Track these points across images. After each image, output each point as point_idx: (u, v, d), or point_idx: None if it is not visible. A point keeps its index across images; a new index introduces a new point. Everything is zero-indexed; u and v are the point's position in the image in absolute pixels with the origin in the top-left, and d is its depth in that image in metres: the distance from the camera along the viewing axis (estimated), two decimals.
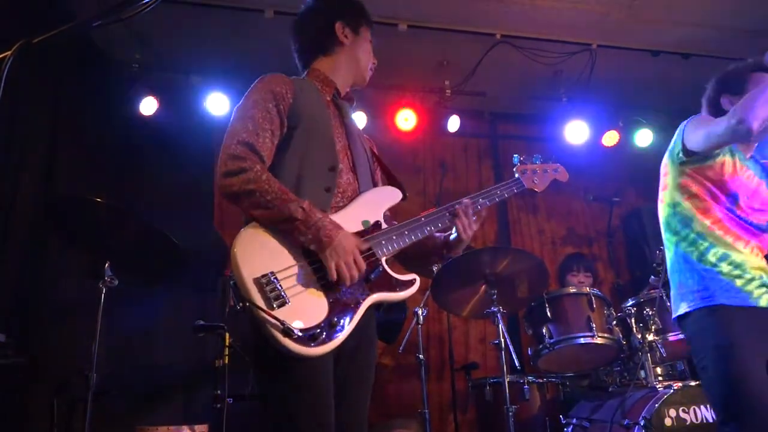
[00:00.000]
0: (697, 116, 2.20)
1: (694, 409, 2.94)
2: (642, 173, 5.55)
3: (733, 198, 2.11)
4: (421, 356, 3.56)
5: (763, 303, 1.99)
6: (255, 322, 1.55)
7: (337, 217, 1.72)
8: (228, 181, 1.64)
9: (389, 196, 1.92)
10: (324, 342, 1.55)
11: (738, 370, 1.89)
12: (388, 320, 4.02)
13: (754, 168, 2.19)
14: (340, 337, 1.59)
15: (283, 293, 1.56)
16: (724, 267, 2.04)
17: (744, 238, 2.09)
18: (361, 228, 1.77)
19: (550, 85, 4.92)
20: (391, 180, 2.02)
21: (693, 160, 2.16)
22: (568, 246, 5.47)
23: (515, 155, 2.23)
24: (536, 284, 3.53)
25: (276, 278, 1.57)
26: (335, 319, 1.59)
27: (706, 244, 2.09)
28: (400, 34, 4.22)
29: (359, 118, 4.74)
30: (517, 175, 2.18)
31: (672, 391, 2.97)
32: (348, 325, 1.61)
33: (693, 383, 3.06)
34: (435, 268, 3.67)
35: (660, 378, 3.42)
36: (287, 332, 1.51)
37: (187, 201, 4.36)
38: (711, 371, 1.97)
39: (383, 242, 1.77)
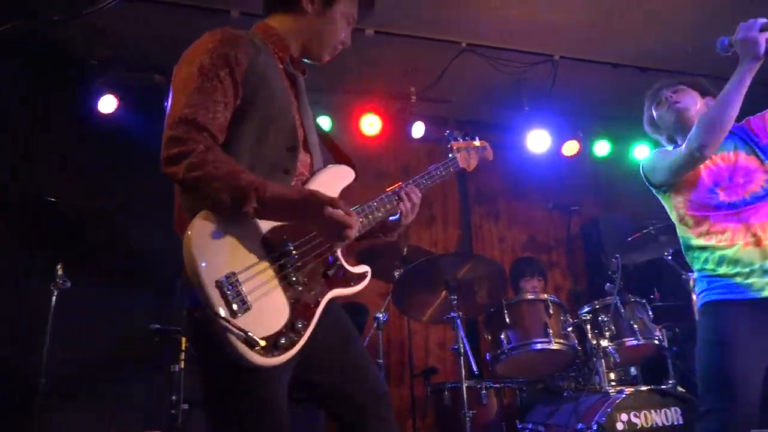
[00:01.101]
0: (651, 158, 2.35)
1: (645, 414, 3.02)
2: (600, 183, 5.71)
3: (714, 194, 2.18)
4: (380, 361, 3.57)
5: (765, 293, 2.03)
6: (209, 329, 1.36)
7: None
8: (171, 169, 1.39)
9: (343, 175, 1.74)
10: (287, 349, 1.43)
11: (722, 362, 1.98)
12: None
13: (727, 146, 2.25)
14: (301, 342, 1.47)
15: (246, 297, 1.38)
16: (723, 270, 2.12)
17: (739, 232, 2.12)
18: None
19: (514, 94, 5.00)
20: (340, 156, 1.81)
21: (668, 188, 2.30)
22: (527, 253, 5.56)
23: (448, 132, 2.22)
24: (496, 290, 3.59)
25: (238, 280, 1.38)
26: (297, 324, 1.46)
27: (704, 256, 2.19)
28: (367, 39, 4.23)
29: (323, 122, 4.74)
30: (451, 155, 2.13)
31: (624, 395, 3.05)
32: (308, 329, 1.49)
33: (644, 388, 3.15)
34: (396, 273, 3.70)
35: (613, 383, 3.49)
36: (250, 343, 1.35)
37: (148, 202, 4.28)
38: (701, 360, 2.07)
39: None
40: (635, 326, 3.38)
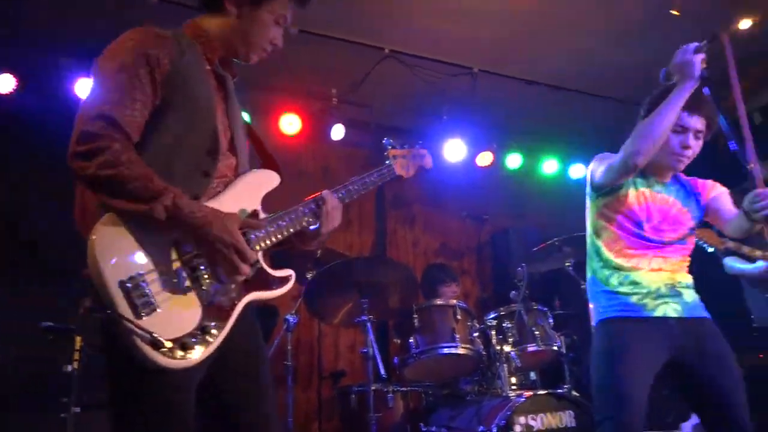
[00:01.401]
0: (600, 156, 2.40)
1: (541, 417, 3.16)
2: (511, 194, 5.92)
3: (640, 225, 2.29)
4: (288, 363, 3.53)
5: (658, 313, 2.18)
6: (113, 330, 1.34)
7: (212, 204, 1.52)
8: (79, 164, 1.36)
9: (267, 180, 1.72)
10: (195, 351, 1.40)
11: (614, 366, 2.11)
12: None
13: (669, 191, 2.38)
14: (213, 345, 1.44)
15: (152, 299, 1.36)
16: (624, 288, 2.23)
17: (648, 256, 2.26)
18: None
19: (433, 103, 5.10)
20: (267, 160, 1.80)
21: (601, 194, 2.37)
22: (440, 259, 5.68)
23: (386, 138, 2.16)
24: (407, 295, 3.63)
25: (144, 281, 1.36)
26: (208, 326, 1.43)
27: (608, 272, 2.29)
28: (291, 37, 4.16)
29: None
30: (388, 161, 2.09)
31: (523, 399, 3.17)
32: (222, 332, 1.46)
33: (542, 392, 3.29)
34: (309, 275, 3.67)
35: (514, 387, 3.62)
36: (156, 344, 1.32)
37: (47, 189, 4.02)
38: (597, 371, 2.18)
39: (261, 234, 1.59)
40: (537, 333, 3.53)
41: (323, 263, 3.57)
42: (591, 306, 2.36)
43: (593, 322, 2.31)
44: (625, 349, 2.12)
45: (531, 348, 3.50)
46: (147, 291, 1.35)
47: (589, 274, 2.40)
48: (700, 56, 2.10)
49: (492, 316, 3.70)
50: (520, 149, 5.55)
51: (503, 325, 3.59)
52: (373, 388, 3.25)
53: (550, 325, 3.68)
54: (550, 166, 5.69)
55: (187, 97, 1.52)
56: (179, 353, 1.37)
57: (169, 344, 1.34)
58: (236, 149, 1.65)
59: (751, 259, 3.04)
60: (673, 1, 3.87)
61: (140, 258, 1.39)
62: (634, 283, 2.23)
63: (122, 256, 1.37)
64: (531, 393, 3.26)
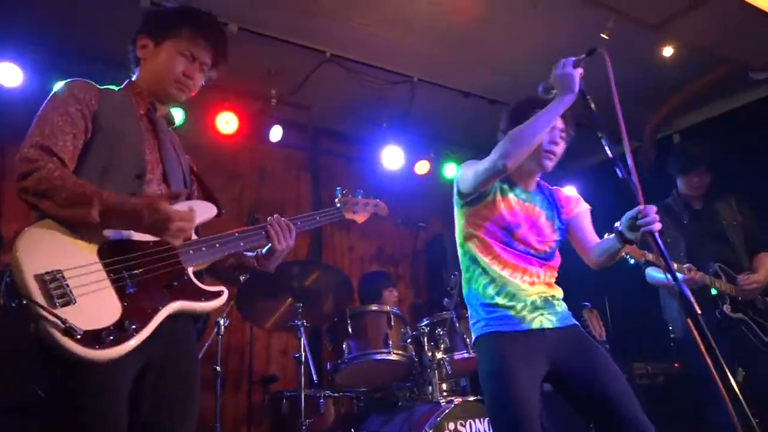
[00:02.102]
0: (467, 163, 2.40)
1: (470, 422, 3.22)
2: (447, 202, 5.99)
3: (510, 232, 2.30)
4: (218, 368, 3.44)
5: (535, 325, 2.21)
6: (27, 319, 1.41)
7: None
8: (22, 184, 1.54)
9: (204, 210, 1.87)
10: (111, 345, 1.43)
11: (502, 390, 2.11)
12: None
13: (534, 200, 2.40)
14: (131, 343, 1.48)
15: (69, 292, 1.44)
16: (500, 300, 2.23)
17: (521, 268, 2.28)
18: None
19: (373, 109, 5.12)
20: (208, 197, 1.98)
21: (468, 202, 2.37)
22: (375, 264, 5.70)
23: (338, 188, 2.34)
24: (341, 300, 3.63)
25: (63, 276, 1.45)
26: (127, 324, 1.48)
27: (485, 281, 2.28)
28: (230, 34, 4.09)
29: (175, 115, 4.47)
30: (338, 205, 2.29)
31: (453, 405, 3.22)
32: (142, 332, 1.51)
33: (472, 398, 3.36)
34: (242, 278, 3.59)
35: (445, 393, 3.68)
36: (68, 331, 1.38)
37: None
38: (487, 392, 2.18)
39: (191, 252, 1.72)
40: (468, 340, 3.59)
41: (259, 271, 3.50)
42: (470, 318, 2.35)
43: (474, 334, 2.30)
44: (510, 374, 2.10)
45: (461, 355, 3.56)
46: (64, 284, 1.44)
47: (465, 289, 2.38)
48: (579, 70, 2.19)
49: (425, 322, 3.74)
50: (457, 160, 5.66)
51: (436, 331, 3.63)
52: (304, 393, 3.22)
53: None
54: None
55: (115, 129, 1.72)
56: (93, 344, 1.41)
57: (82, 333, 1.40)
58: (168, 180, 1.81)
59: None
60: (605, 24, 4.05)
61: (63, 257, 1.49)
62: (511, 296, 2.23)
63: (45, 253, 1.48)
64: (461, 399, 3.32)
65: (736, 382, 3.30)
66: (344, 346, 3.51)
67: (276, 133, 4.86)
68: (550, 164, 2.35)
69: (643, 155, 5.68)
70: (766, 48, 4.51)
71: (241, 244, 1.86)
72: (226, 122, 4.69)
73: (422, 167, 5.48)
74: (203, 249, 1.76)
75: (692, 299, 1.68)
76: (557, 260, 2.40)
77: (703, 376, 3.19)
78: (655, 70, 4.76)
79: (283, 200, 5.30)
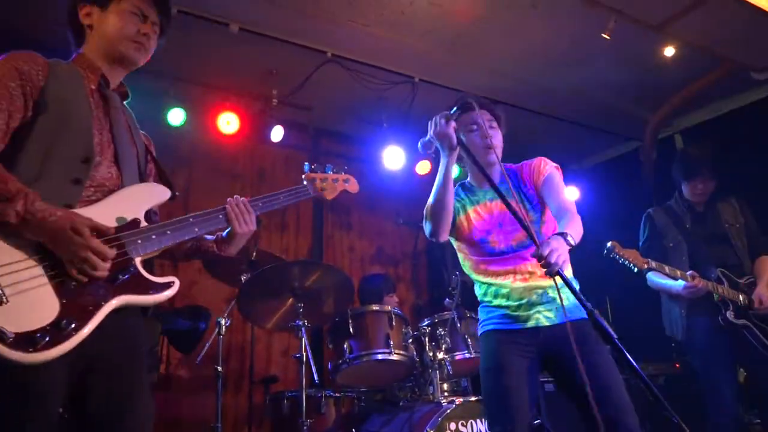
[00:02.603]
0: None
1: (471, 423, 3.22)
2: None
3: (485, 242, 2.36)
4: (219, 368, 3.44)
5: (530, 323, 2.25)
6: None
7: (87, 211, 1.56)
8: None
9: (155, 193, 1.79)
10: (46, 347, 1.36)
11: (491, 383, 2.24)
12: (187, 329, 3.83)
13: (492, 196, 2.41)
14: (67, 344, 1.40)
15: (0, 292, 1.37)
16: (496, 300, 2.34)
17: (510, 270, 2.32)
18: (114, 224, 1.61)
19: (374, 109, 5.12)
20: (162, 179, 1.90)
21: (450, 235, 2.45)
22: (376, 265, 5.70)
23: (306, 163, 2.22)
24: (342, 300, 3.62)
25: None
26: (65, 323, 1.41)
27: (483, 289, 2.42)
28: (231, 35, 4.11)
29: (177, 115, 4.50)
30: (305, 183, 2.17)
31: (454, 405, 3.22)
32: (81, 332, 1.43)
33: (473, 398, 3.35)
34: (243, 278, 3.60)
35: (446, 393, 3.67)
36: None
37: None
38: (483, 385, 2.29)
39: (139, 241, 1.63)
40: (469, 340, 3.59)
41: (258, 266, 3.51)
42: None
43: (478, 336, 2.45)
44: (503, 368, 2.21)
45: (463, 355, 3.56)
46: None
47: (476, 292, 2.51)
48: (452, 124, 2.22)
49: (426, 323, 3.74)
50: (457, 160, 5.64)
51: (437, 332, 3.63)
52: (305, 393, 3.22)
53: None
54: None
55: (58, 109, 1.61)
56: (25, 346, 1.34)
57: (13, 336, 1.33)
58: (120, 162, 1.71)
59: (673, 278, 3.22)
60: (606, 24, 4.05)
61: None
62: (504, 297, 2.31)
63: None
64: (462, 399, 3.31)
65: (738, 382, 3.32)
66: (345, 346, 3.51)
67: (277, 134, 4.86)
68: (493, 157, 2.36)
69: (644, 156, 5.68)
70: None
71: (196, 229, 1.77)
72: (228, 122, 4.69)
73: (423, 167, 5.47)
74: (153, 237, 1.66)
75: None
76: (545, 236, 2.32)
77: (707, 377, 3.19)
78: (656, 70, 4.76)
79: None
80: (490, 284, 2.36)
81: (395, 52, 4.55)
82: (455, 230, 2.43)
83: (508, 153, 2.46)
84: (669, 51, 4.50)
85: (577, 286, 2.26)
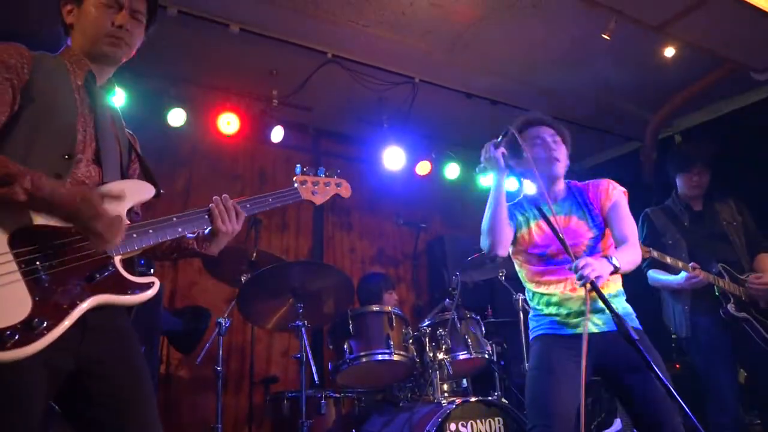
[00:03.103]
0: None
1: (472, 423, 3.22)
2: (448, 203, 6.02)
3: (544, 254, 2.46)
4: (219, 368, 3.44)
5: (579, 330, 2.32)
6: None
7: None
8: None
9: (138, 191, 1.74)
10: (15, 347, 1.32)
11: (532, 389, 2.33)
12: (188, 330, 3.83)
13: (562, 208, 2.52)
14: (37, 344, 1.36)
15: None
16: (547, 309, 2.45)
17: (563, 279, 2.42)
18: None
19: (374, 110, 5.12)
20: (147, 178, 1.85)
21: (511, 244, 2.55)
22: (376, 265, 5.70)
23: (298, 165, 2.18)
24: (343, 300, 3.62)
25: None
26: (36, 321, 1.36)
27: (537, 299, 2.52)
28: (232, 36, 4.11)
29: (177, 116, 4.50)
30: (295, 185, 2.12)
31: (454, 406, 3.21)
32: (53, 331, 1.39)
33: (473, 399, 3.34)
34: (243, 278, 3.60)
35: (446, 394, 3.67)
36: None
37: None
38: (527, 383, 2.39)
39: (121, 241, 1.59)
40: (469, 341, 3.59)
41: (258, 266, 3.51)
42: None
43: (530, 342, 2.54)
44: (550, 369, 2.31)
45: (463, 356, 3.56)
46: None
47: (529, 300, 2.61)
48: (501, 150, 2.41)
49: (426, 323, 3.74)
50: (459, 161, 5.65)
51: (437, 332, 3.63)
52: (305, 394, 3.22)
53: (482, 333, 3.76)
54: (486, 178, 5.80)
55: (42, 105, 1.58)
56: None
57: None
58: (102, 159, 1.68)
59: (675, 270, 3.23)
60: (606, 25, 4.05)
61: None
62: (555, 305, 2.43)
63: None
64: (462, 400, 3.31)
65: (738, 382, 3.33)
66: (345, 346, 3.51)
67: (277, 134, 4.86)
68: (558, 167, 2.49)
69: (645, 156, 5.68)
70: None
71: (179, 229, 1.74)
72: (228, 123, 4.69)
73: (423, 168, 5.47)
74: (134, 236, 1.63)
75: None
76: (602, 252, 2.46)
77: (708, 375, 3.20)
78: (657, 70, 4.75)
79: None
80: (542, 294, 2.47)
81: (395, 53, 4.55)
82: (516, 242, 2.53)
83: None
84: (669, 51, 4.50)
85: (623, 305, 2.45)
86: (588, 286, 2.03)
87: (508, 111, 5.19)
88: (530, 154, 2.41)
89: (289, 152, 5.45)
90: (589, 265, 2.06)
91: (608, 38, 4.10)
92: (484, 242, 2.42)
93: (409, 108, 5.04)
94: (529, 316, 2.58)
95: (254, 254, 3.70)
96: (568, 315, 2.39)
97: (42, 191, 1.43)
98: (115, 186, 1.61)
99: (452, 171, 5.67)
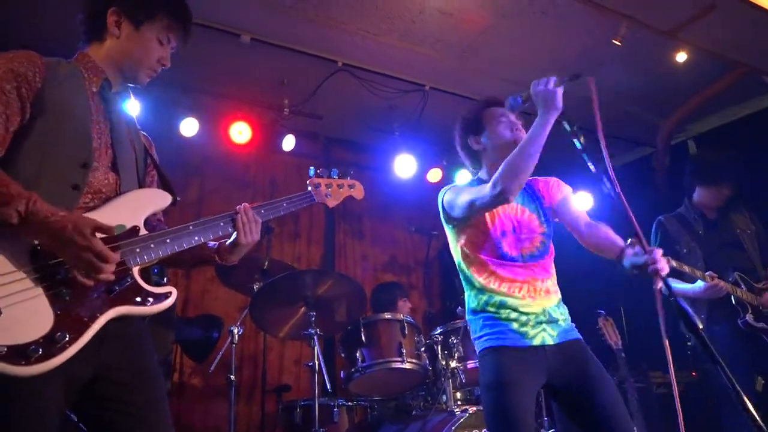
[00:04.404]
0: (452, 186, 2.40)
1: None
2: None
3: (500, 243, 2.28)
4: (232, 377, 3.45)
5: (536, 342, 2.19)
6: None
7: None
8: None
9: (155, 199, 1.74)
10: (38, 361, 1.33)
11: (500, 405, 2.10)
12: (200, 338, 3.85)
13: (518, 199, 2.36)
14: (60, 357, 1.38)
15: None
16: (503, 313, 2.21)
17: (519, 280, 2.25)
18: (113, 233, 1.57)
19: (385, 118, 5.14)
20: (163, 184, 1.85)
21: (459, 224, 2.35)
22: (388, 273, 5.69)
23: (311, 167, 2.16)
24: (355, 308, 3.62)
25: None
26: (59, 335, 1.38)
27: (486, 297, 2.26)
28: (243, 45, 4.14)
29: (189, 125, 4.54)
30: (309, 189, 2.10)
31: (467, 414, 3.20)
32: (75, 344, 1.41)
33: None
34: (256, 287, 3.61)
35: (459, 402, 3.65)
36: None
37: None
38: (485, 403, 2.19)
39: (138, 250, 1.58)
40: None
41: (270, 275, 3.52)
42: (474, 335, 2.31)
43: (477, 348, 2.29)
44: (512, 385, 2.11)
45: (475, 364, 3.53)
46: None
47: (467, 305, 2.36)
48: (561, 89, 2.17)
49: (439, 331, 3.72)
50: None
51: (449, 340, 3.62)
52: (318, 402, 3.22)
53: None
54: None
55: (56, 113, 1.56)
56: (16, 360, 1.31)
57: (5, 349, 1.30)
58: (118, 166, 1.67)
59: (691, 279, 3.19)
60: (617, 31, 4.04)
61: None
62: (512, 309, 2.21)
63: None
64: (475, 408, 3.29)
65: (755, 390, 3.28)
66: (358, 354, 3.51)
67: (288, 143, 4.89)
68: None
69: (657, 161, 5.64)
70: None
71: (196, 238, 1.71)
72: (240, 132, 4.73)
73: (435, 175, 5.47)
74: (152, 246, 1.61)
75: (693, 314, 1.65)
76: (551, 255, 2.36)
77: (722, 384, 3.16)
78: (669, 75, 4.73)
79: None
80: (492, 292, 2.24)
81: (406, 61, 4.57)
82: (476, 223, 2.30)
83: (539, 165, 2.43)
84: (681, 56, 4.48)
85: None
86: (660, 285, 1.84)
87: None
88: (489, 130, 2.37)
89: (300, 161, 5.47)
90: (662, 259, 1.90)
91: (619, 44, 4.09)
92: (501, 186, 2.07)
93: (420, 115, 5.04)
94: (474, 321, 2.30)
95: (266, 262, 3.72)
96: (526, 323, 2.19)
97: (35, 216, 1.39)
98: (107, 226, 1.52)
99: (463, 178, 5.65)
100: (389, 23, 4.12)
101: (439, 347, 3.61)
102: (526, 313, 2.21)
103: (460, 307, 3.88)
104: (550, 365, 2.17)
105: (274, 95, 4.83)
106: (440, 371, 3.56)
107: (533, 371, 2.16)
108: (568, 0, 3.87)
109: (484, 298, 2.26)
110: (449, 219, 2.39)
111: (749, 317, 3.19)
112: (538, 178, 2.49)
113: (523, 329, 2.19)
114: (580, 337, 2.30)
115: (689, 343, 3.72)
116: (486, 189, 2.15)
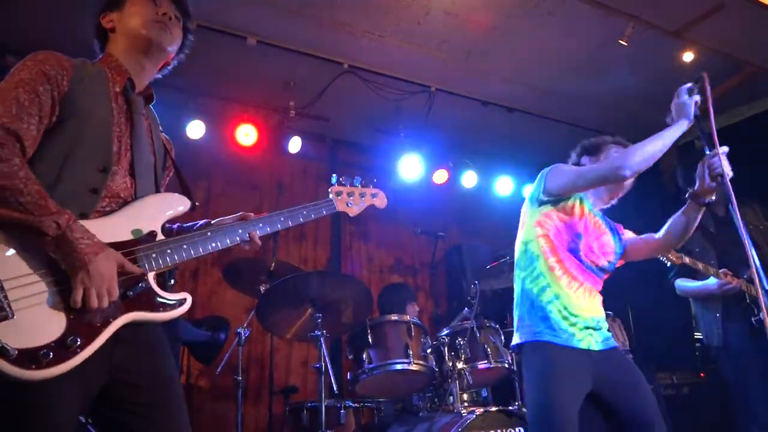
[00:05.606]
0: (559, 165, 2.46)
1: None
2: (465, 212, 6.00)
3: (578, 238, 2.36)
4: (239, 378, 3.45)
5: (583, 345, 2.24)
6: None
7: (103, 223, 1.53)
8: None
9: (173, 203, 1.73)
10: (49, 365, 1.33)
11: (547, 402, 2.15)
12: (207, 340, 3.86)
13: (602, 220, 2.51)
14: (73, 361, 1.37)
15: (6, 306, 1.33)
16: (555, 307, 2.27)
17: (579, 279, 2.33)
18: (130, 237, 1.57)
19: (391, 120, 5.14)
20: (182, 188, 1.84)
21: (550, 201, 2.40)
22: (395, 275, 5.69)
23: (334, 175, 2.15)
24: (361, 310, 3.61)
25: (2, 287, 1.34)
26: (70, 340, 1.38)
27: (544, 283, 2.31)
28: (249, 48, 4.16)
29: (196, 128, 4.56)
30: (330, 197, 2.09)
31: (474, 416, 3.18)
32: (86, 349, 1.40)
33: (493, 409, 3.31)
34: (262, 288, 3.62)
35: (466, 404, 3.64)
36: (1, 351, 1.29)
37: None
38: (528, 398, 2.26)
39: (155, 255, 1.58)
40: (488, 350, 3.56)
41: (277, 276, 3.52)
42: (518, 318, 2.36)
43: (522, 337, 2.31)
44: (563, 378, 2.17)
45: (483, 365, 3.53)
46: (1, 297, 1.33)
47: (518, 287, 2.40)
48: (696, 98, 2.31)
49: (445, 332, 3.71)
50: (476, 168, 5.64)
51: (456, 341, 3.61)
52: (325, 404, 3.22)
53: (501, 342, 3.72)
54: (504, 185, 5.80)
55: (81, 117, 1.58)
56: (27, 364, 1.31)
57: (16, 352, 1.30)
58: (135, 171, 1.67)
59: (704, 277, 3.18)
60: (624, 31, 4.03)
61: (3, 264, 1.37)
62: (564, 306, 2.27)
63: None
64: (482, 410, 3.28)
65: None
66: (364, 356, 3.50)
67: (295, 145, 4.90)
68: (622, 192, 2.56)
69: (664, 162, 5.61)
70: None
71: (214, 244, 1.71)
72: (246, 134, 4.74)
73: (441, 176, 5.47)
74: (168, 251, 1.61)
75: None
76: (605, 278, 2.48)
77: (738, 384, 3.14)
78: (676, 75, 4.69)
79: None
80: (556, 283, 2.29)
81: (411, 62, 4.57)
82: (564, 208, 2.40)
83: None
84: (688, 56, 4.46)
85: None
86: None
87: (524, 119, 5.18)
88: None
89: (306, 163, 5.48)
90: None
91: (626, 44, 4.08)
92: (626, 161, 2.18)
93: (426, 117, 5.04)
94: (525, 306, 2.34)
95: (273, 264, 3.72)
96: (575, 324, 2.26)
97: (71, 234, 1.41)
98: (125, 224, 1.55)
99: (469, 179, 5.65)
100: (395, 25, 4.13)
101: (446, 348, 3.60)
102: (576, 315, 2.28)
103: (467, 309, 3.87)
104: (596, 371, 2.23)
105: (280, 97, 4.84)
106: (447, 373, 3.55)
107: (580, 373, 2.21)
108: (575, 0, 3.87)
109: (542, 283, 2.30)
110: (546, 192, 2.41)
111: (763, 315, 3.17)
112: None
113: (572, 330, 2.26)
114: (617, 345, 2.39)
115: (698, 344, 3.70)
116: (603, 164, 2.33)
